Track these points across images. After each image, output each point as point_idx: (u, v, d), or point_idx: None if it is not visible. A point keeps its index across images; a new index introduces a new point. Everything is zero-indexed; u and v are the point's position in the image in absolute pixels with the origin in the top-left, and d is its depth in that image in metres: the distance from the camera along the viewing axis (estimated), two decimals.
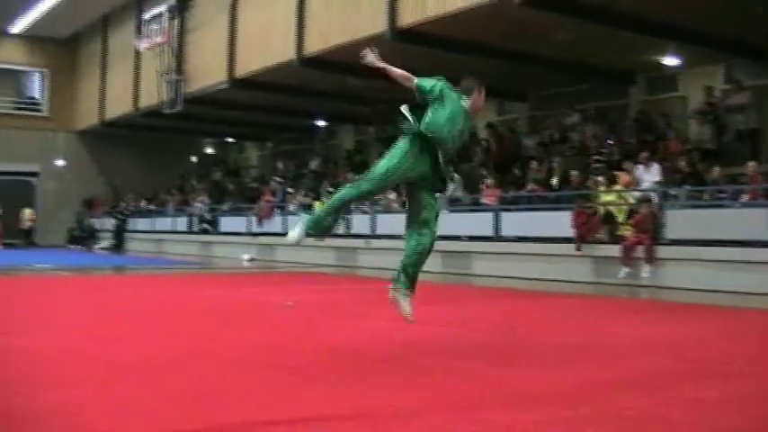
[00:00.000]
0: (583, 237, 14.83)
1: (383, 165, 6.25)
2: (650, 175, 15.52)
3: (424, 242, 6.40)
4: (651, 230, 14.00)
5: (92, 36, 34.14)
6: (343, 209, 6.50)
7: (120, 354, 6.35)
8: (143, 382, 5.22)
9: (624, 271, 14.12)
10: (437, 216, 6.51)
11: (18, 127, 34.82)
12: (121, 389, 5.00)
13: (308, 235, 6.40)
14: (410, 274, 6.43)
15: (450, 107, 6.32)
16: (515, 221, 16.82)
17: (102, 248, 31.72)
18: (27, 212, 33.71)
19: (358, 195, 6.39)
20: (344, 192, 6.42)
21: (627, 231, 14.52)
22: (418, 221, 6.42)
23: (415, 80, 6.41)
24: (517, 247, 16.31)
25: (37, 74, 36.47)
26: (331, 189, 22.53)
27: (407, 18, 16.82)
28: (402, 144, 6.30)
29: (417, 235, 6.41)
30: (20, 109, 36.05)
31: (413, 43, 17.26)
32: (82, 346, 6.79)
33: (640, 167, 15.71)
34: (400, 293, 6.42)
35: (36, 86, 36.91)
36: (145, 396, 4.80)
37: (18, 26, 33.53)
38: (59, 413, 4.37)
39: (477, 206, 18.18)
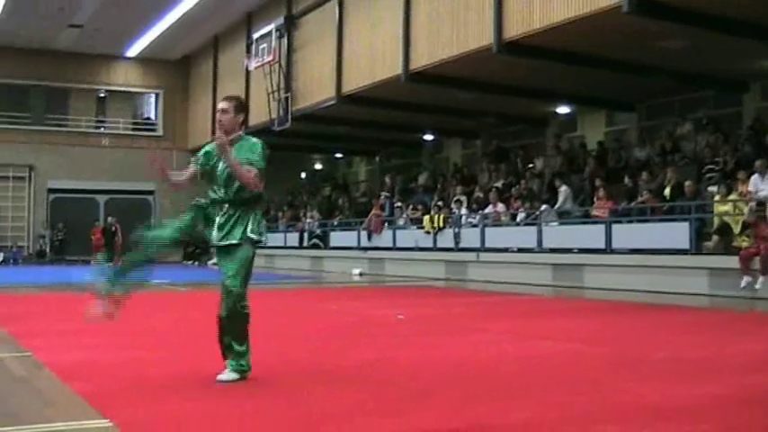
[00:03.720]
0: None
1: None
2: (766, 184, 15.05)
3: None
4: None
5: (203, 57, 35.09)
6: None
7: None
8: (255, 397, 5.34)
9: (745, 280, 13.67)
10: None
11: (135, 147, 36.00)
12: (222, 401, 5.12)
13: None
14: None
15: None
16: (627, 233, 16.57)
17: (214, 264, 32.34)
18: None
19: None
20: None
21: (744, 242, 14.12)
22: None
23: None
24: (629, 259, 16.05)
25: (152, 95, 37.67)
26: (440, 203, 22.54)
27: (514, 30, 16.76)
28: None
29: None
30: (136, 130, 37.28)
31: (520, 55, 17.21)
32: (206, 359, 6.97)
33: (756, 176, 15.25)
34: None
35: (151, 107, 38.15)
36: (253, 411, 4.90)
37: (134, 50, 34.78)
38: (191, 423, 4.52)
39: (588, 218, 18.00)
